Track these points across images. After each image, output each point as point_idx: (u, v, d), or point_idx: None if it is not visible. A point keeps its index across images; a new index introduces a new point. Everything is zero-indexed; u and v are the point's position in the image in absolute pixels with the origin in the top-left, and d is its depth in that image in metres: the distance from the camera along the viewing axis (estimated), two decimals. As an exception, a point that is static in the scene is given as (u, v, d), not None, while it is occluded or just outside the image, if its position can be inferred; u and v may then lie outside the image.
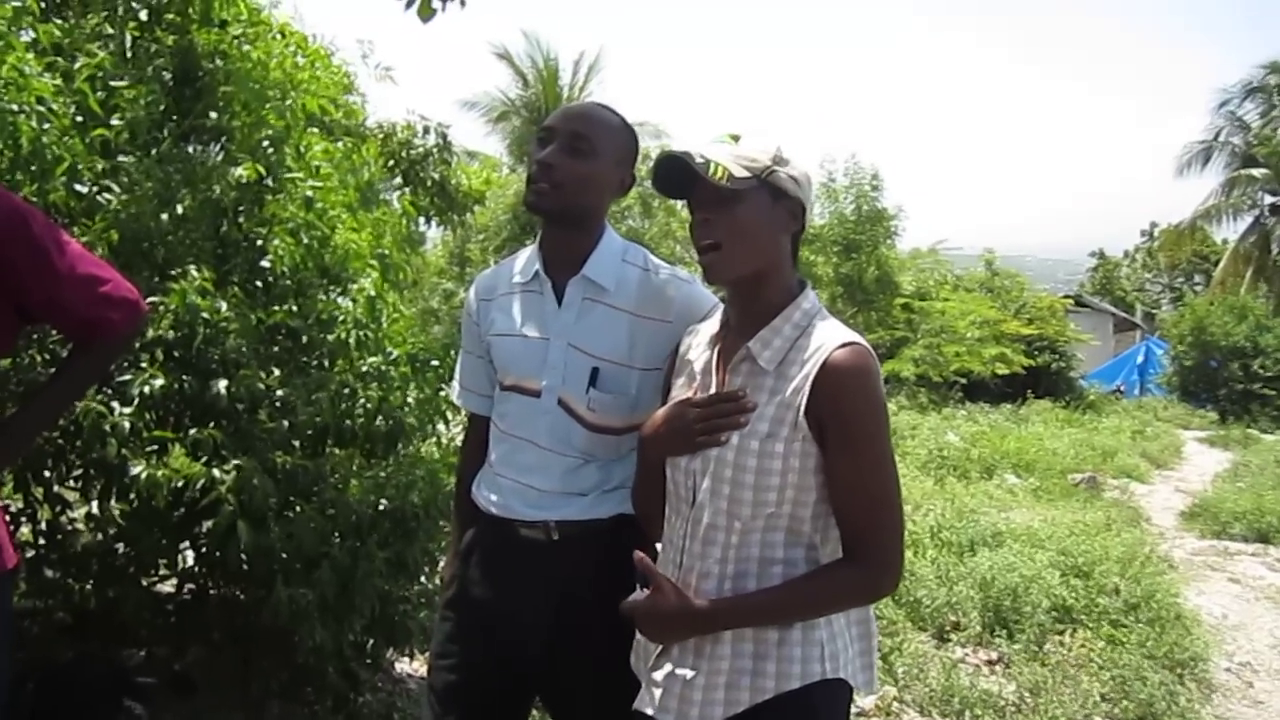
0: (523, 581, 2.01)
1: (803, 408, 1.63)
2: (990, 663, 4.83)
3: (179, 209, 2.98)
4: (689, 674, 1.70)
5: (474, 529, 2.12)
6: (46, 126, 2.62)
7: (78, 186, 2.81)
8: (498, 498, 2.05)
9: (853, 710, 1.81)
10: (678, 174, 1.70)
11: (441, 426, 3.39)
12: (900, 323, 20.44)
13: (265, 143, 3.29)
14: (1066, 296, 28.43)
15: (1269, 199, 31.57)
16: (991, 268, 24.53)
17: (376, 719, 3.34)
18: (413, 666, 3.86)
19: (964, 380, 19.37)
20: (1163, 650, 4.95)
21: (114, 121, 2.95)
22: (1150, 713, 4.27)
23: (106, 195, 2.85)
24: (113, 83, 3.00)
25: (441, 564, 3.20)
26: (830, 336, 1.66)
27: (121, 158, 2.95)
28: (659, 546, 1.87)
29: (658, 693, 1.73)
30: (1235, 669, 5.22)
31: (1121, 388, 26.23)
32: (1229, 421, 20.35)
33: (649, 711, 1.73)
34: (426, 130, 6.01)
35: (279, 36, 3.84)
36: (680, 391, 1.84)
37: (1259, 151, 29.19)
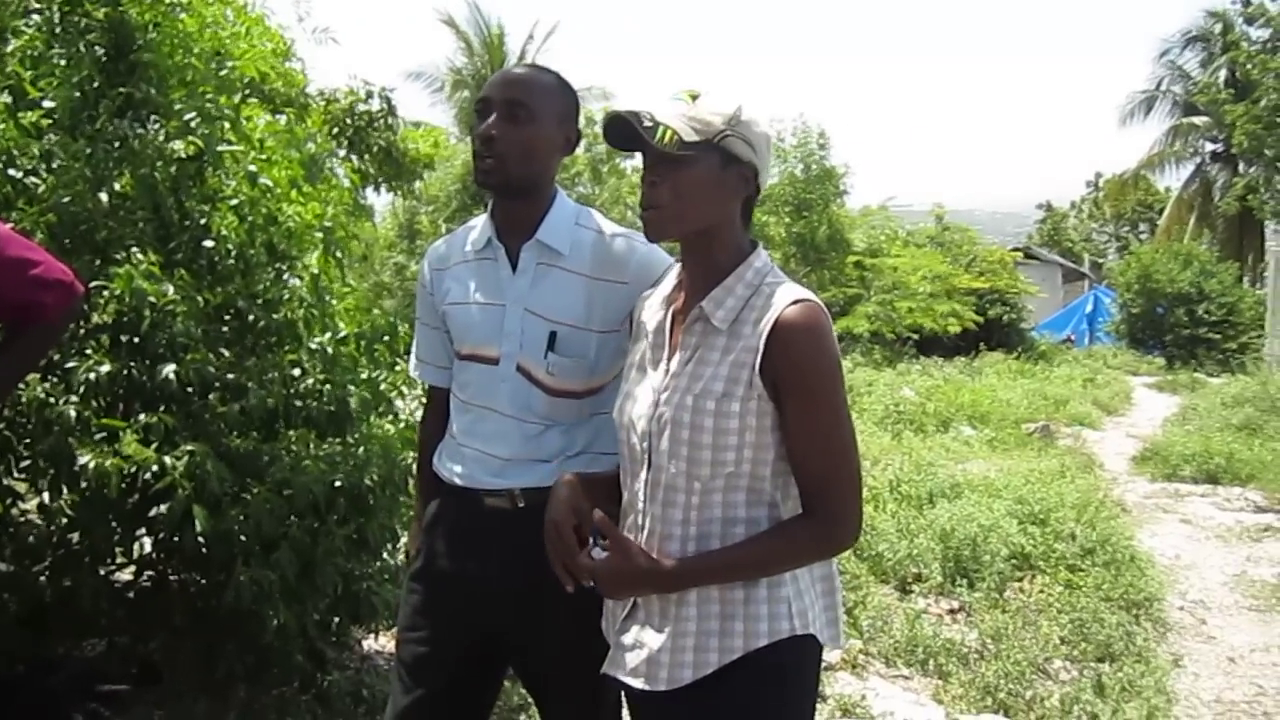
0: (490, 551, 1.99)
1: (757, 366, 1.63)
2: (952, 612, 4.92)
3: (116, 188, 2.90)
4: (656, 636, 1.70)
5: (437, 501, 2.11)
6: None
7: (11, 171, 2.72)
8: (461, 468, 2.03)
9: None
10: (627, 133, 1.68)
11: (399, 402, 3.35)
12: (853, 280, 20.55)
13: (202, 116, 3.20)
14: (1015, 249, 28.81)
15: (1210, 147, 32.11)
16: (941, 223, 24.70)
17: (345, 697, 3.32)
18: (379, 643, 3.84)
19: (917, 335, 19.56)
20: (1119, 592, 5.07)
21: (46, 103, 2.86)
22: (1108, 653, 4.38)
23: (34, 179, 2.76)
24: (42, 63, 2.90)
25: (404, 539, 3.17)
26: (782, 295, 1.66)
27: (53, 138, 2.86)
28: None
29: (625, 656, 1.73)
30: (1188, 607, 5.36)
31: (1071, 337, 26.66)
32: (1176, 366, 20.79)
33: (618, 675, 1.74)
34: (370, 95, 5.91)
35: (213, 4, 3.74)
36: (637, 355, 1.83)
37: (1199, 100, 29.58)
